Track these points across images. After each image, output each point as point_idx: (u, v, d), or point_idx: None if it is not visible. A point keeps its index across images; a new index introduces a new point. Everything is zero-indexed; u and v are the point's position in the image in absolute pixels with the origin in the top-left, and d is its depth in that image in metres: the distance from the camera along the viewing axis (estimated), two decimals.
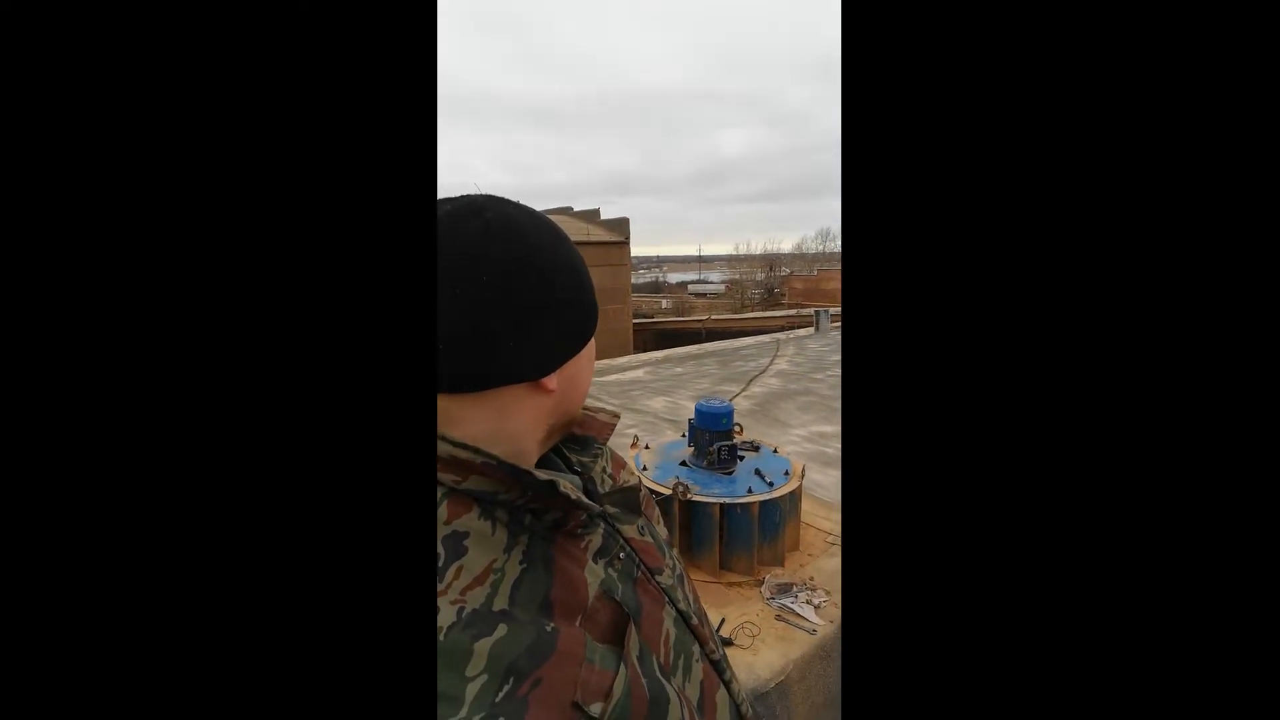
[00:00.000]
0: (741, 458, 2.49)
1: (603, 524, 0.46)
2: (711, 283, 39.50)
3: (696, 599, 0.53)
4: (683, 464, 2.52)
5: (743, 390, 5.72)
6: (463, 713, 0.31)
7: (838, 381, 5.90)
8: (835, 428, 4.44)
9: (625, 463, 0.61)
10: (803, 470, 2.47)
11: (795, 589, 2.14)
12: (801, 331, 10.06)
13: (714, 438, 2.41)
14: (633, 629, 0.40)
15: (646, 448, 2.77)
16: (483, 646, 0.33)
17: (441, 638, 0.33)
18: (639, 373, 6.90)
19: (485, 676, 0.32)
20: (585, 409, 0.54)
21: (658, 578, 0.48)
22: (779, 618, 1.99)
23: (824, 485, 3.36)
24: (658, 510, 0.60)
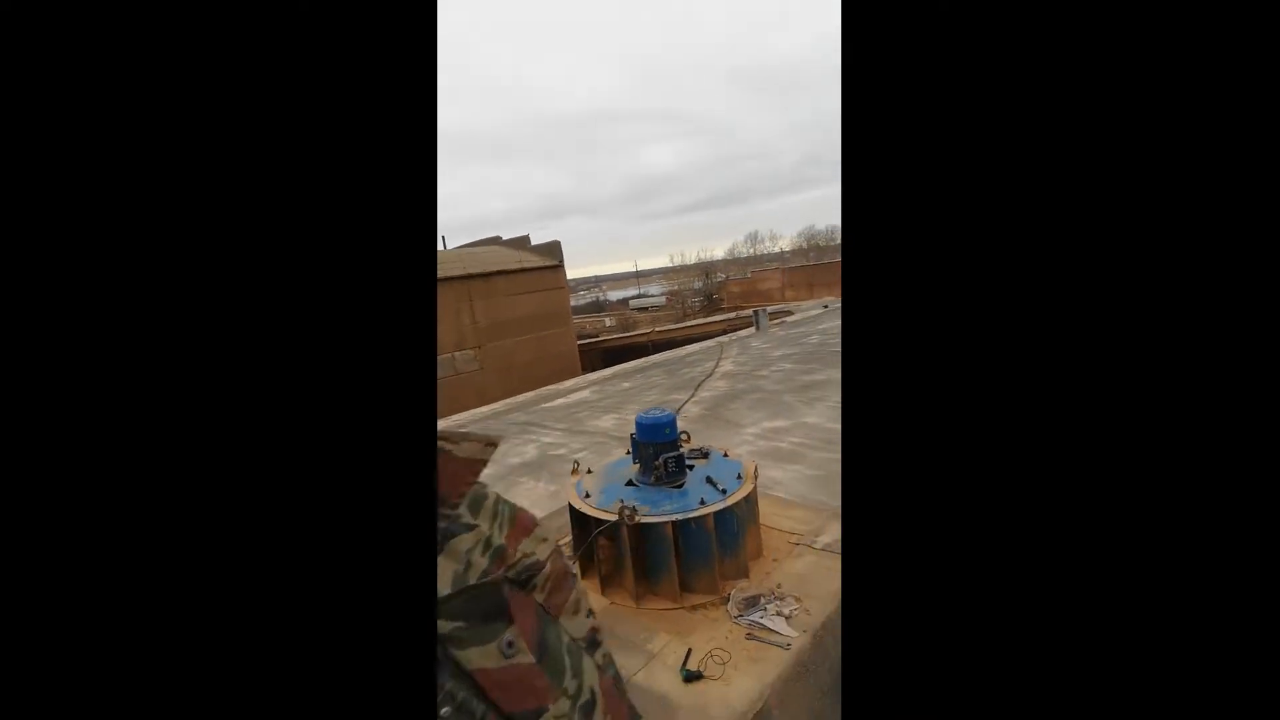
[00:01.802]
0: (690, 467, 2.34)
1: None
2: (652, 296, 39.72)
3: None
4: (629, 483, 2.34)
5: (691, 396, 5.62)
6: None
7: (784, 376, 5.93)
8: (787, 422, 4.39)
9: (533, 527, 0.37)
10: (755, 470, 2.33)
11: (763, 600, 1.98)
12: (744, 332, 10.14)
13: (658, 450, 2.25)
14: None
15: (589, 472, 2.56)
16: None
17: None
18: (585, 393, 6.71)
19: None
20: (440, 437, 0.33)
21: None
22: (750, 636, 1.83)
23: (782, 481, 3.25)
24: (575, 593, 0.37)
